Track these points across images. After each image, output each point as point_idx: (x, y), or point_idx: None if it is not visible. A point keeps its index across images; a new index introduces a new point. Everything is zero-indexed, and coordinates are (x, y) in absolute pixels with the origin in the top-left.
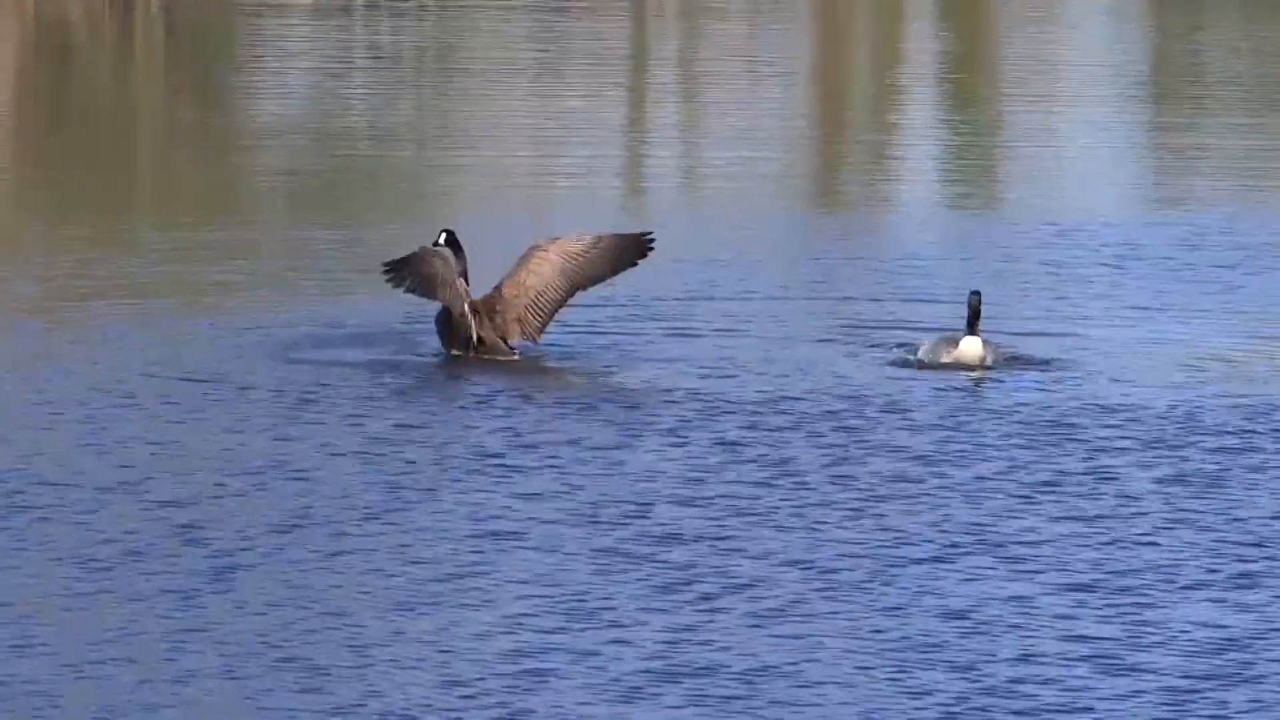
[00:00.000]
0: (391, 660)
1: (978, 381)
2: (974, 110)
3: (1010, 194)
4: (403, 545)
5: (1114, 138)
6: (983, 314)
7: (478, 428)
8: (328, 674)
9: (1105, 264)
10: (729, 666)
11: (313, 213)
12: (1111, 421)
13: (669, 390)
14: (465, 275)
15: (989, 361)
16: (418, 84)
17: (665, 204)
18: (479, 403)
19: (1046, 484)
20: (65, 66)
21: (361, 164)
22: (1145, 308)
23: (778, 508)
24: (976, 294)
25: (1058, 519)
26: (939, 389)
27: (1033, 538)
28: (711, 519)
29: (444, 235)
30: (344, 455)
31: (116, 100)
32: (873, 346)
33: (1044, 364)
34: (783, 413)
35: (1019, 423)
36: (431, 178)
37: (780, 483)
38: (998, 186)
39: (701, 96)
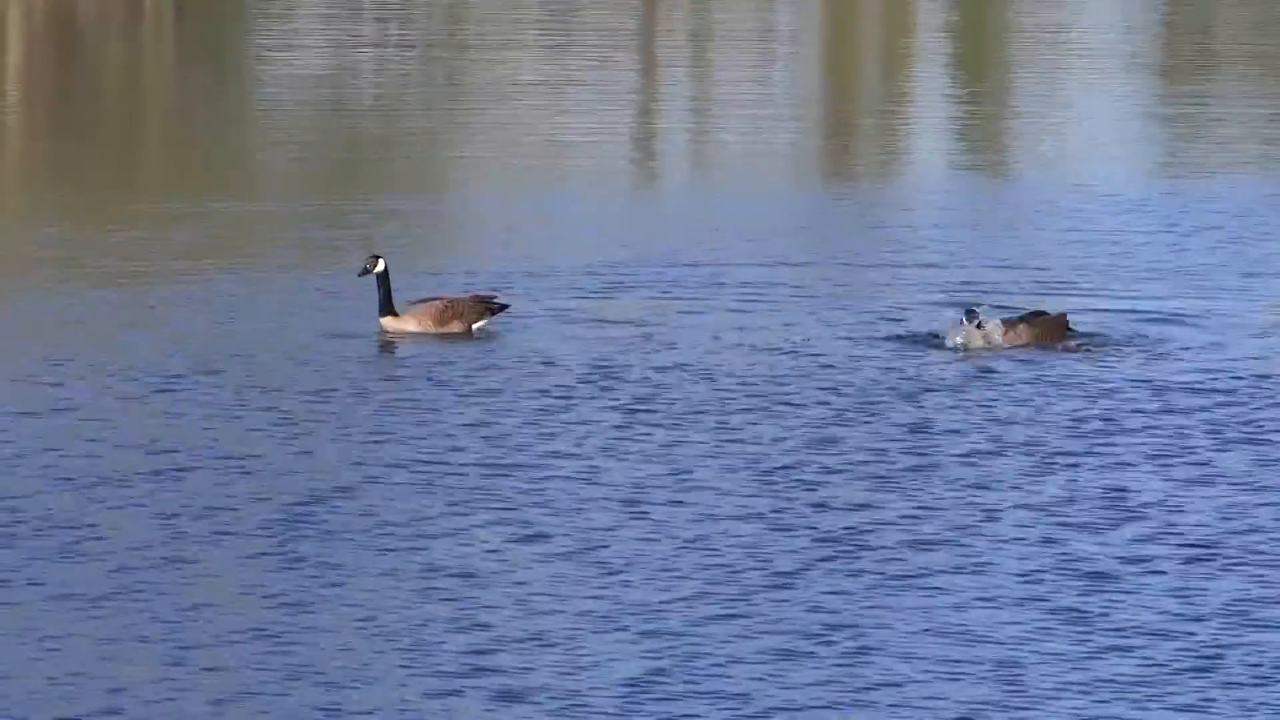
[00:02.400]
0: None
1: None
2: (988, 82)
3: (1035, 164)
4: (551, 515)
5: (1135, 109)
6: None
7: (560, 399)
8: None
9: (1165, 233)
10: (886, 628)
11: (329, 185)
12: (1213, 388)
13: (748, 364)
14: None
15: (996, 342)
16: (430, 60)
17: (676, 173)
18: (542, 376)
19: (1162, 453)
20: (75, 45)
21: (378, 136)
22: (1216, 275)
23: (888, 477)
24: (968, 313)
25: (1184, 484)
26: (1019, 364)
27: (1163, 502)
28: (834, 486)
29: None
30: (442, 424)
31: (126, 79)
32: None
33: (1132, 337)
34: (849, 385)
35: (1124, 395)
36: (446, 149)
37: (873, 454)
38: (1022, 157)
39: (712, 67)
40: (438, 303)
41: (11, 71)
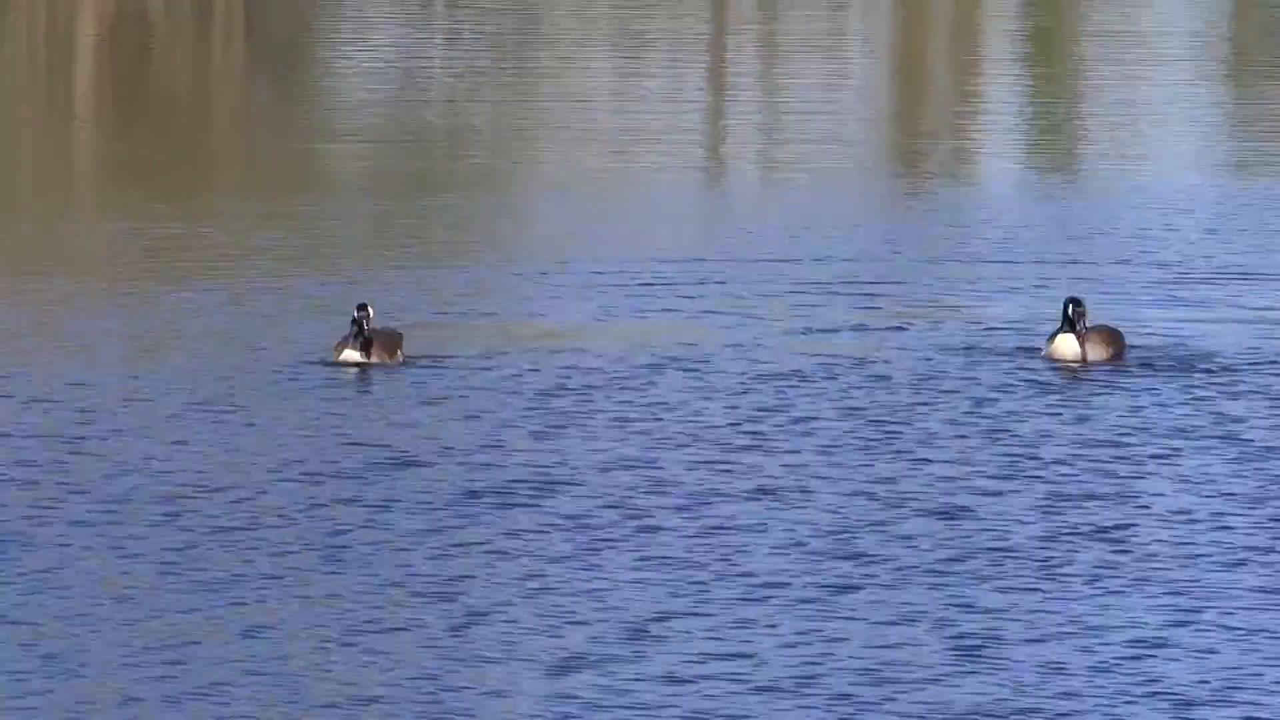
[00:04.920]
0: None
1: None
2: (1060, 84)
3: (1110, 167)
4: (672, 519)
5: (1209, 111)
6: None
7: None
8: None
9: (1242, 235)
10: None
11: (400, 183)
12: None
13: (839, 365)
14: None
15: (1090, 358)
16: (500, 58)
17: (745, 174)
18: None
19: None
20: (145, 44)
21: (449, 135)
22: None
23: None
24: (1073, 301)
25: None
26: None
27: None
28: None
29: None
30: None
31: (197, 78)
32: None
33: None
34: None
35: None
36: (515, 147)
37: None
38: (1096, 160)
39: (782, 70)
40: (381, 337)
41: (82, 71)
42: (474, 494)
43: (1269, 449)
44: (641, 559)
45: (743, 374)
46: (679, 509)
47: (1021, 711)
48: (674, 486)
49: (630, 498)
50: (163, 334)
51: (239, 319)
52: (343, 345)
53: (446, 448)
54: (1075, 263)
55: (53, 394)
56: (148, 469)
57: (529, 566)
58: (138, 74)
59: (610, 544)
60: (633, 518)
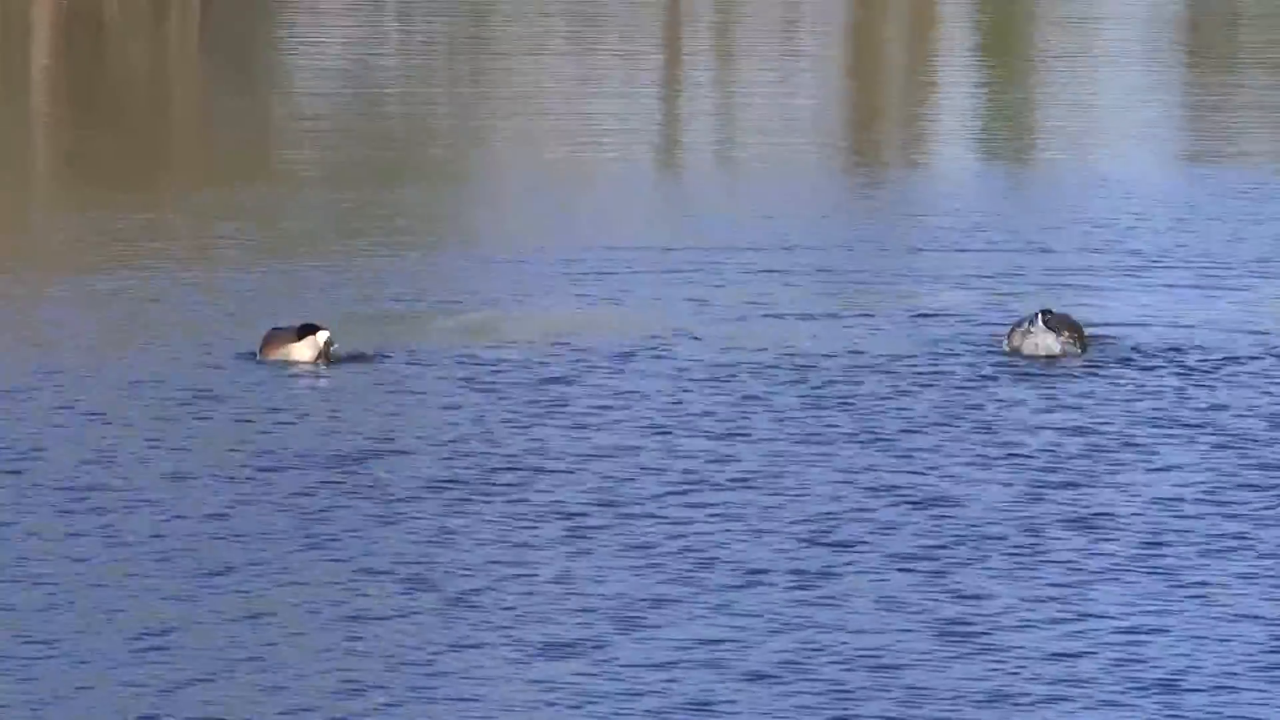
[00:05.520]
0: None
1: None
2: (1020, 71)
3: (1066, 156)
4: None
5: (1166, 100)
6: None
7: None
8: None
9: (1203, 225)
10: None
11: (354, 176)
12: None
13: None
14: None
15: (1058, 351)
16: (456, 49)
17: (702, 163)
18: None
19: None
20: (101, 40)
21: (406, 127)
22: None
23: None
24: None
25: None
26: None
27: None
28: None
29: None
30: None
31: (153, 74)
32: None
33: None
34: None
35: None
36: (475, 138)
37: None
38: (1053, 149)
39: (739, 59)
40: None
41: (37, 65)
42: (449, 483)
43: (1242, 436)
44: (621, 547)
45: (714, 364)
46: (655, 498)
47: (1003, 697)
48: (650, 476)
49: (607, 486)
50: (125, 326)
51: (202, 310)
52: (280, 343)
53: (419, 438)
54: (1044, 251)
55: (21, 386)
56: (120, 460)
57: (509, 555)
58: (93, 67)
59: (589, 532)
60: (610, 506)
